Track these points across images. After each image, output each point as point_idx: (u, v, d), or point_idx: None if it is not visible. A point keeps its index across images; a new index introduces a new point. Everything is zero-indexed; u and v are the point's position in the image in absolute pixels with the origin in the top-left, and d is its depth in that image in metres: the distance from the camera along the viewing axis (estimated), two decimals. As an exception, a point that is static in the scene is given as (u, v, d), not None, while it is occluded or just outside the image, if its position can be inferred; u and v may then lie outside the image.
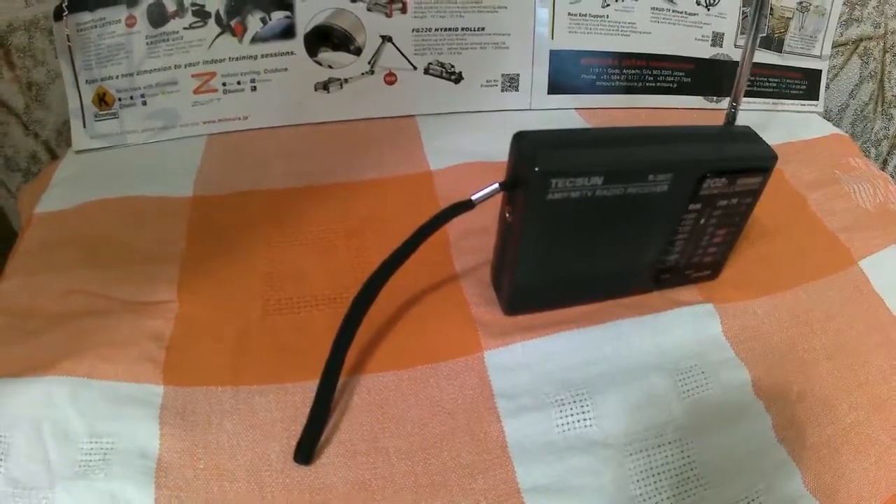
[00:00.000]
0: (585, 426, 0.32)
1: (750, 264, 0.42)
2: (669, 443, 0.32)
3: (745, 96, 0.63)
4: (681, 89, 0.60)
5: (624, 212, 0.32)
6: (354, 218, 0.43)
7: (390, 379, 0.33)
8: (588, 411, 0.32)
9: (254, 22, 0.47)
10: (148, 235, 0.41)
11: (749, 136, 0.36)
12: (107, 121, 0.48)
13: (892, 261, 0.44)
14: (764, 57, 0.62)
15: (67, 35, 0.44)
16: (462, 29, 0.51)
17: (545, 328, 0.36)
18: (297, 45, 0.49)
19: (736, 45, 0.60)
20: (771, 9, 0.60)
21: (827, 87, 0.68)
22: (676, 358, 0.36)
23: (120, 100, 0.48)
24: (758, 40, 0.36)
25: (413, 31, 0.50)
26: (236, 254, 0.40)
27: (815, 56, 0.64)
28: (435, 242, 0.42)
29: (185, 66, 0.48)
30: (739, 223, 0.37)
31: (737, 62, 0.61)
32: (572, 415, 0.32)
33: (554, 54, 0.54)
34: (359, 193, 0.45)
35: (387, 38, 0.50)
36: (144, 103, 0.48)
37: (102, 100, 0.47)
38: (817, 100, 0.65)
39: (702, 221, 0.35)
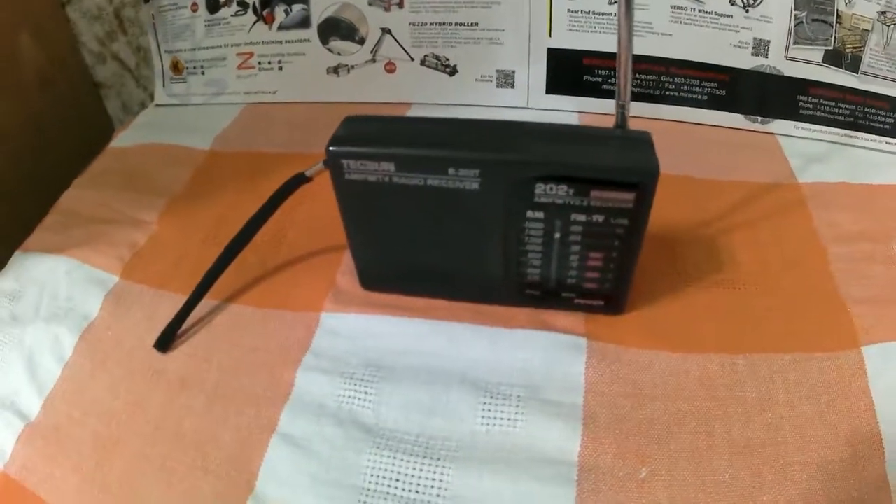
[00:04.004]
0: (361, 406, 0.33)
1: (693, 311, 0.36)
2: (430, 458, 0.30)
3: (808, 122, 0.54)
4: (713, 103, 0.54)
5: (434, 205, 0.32)
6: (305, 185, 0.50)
7: (247, 312, 0.40)
8: (371, 394, 0.33)
9: (280, 12, 0.57)
10: (165, 174, 0.54)
11: (634, 144, 0.30)
12: (178, 84, 0.62)
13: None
14: (833, 76, 0.51)
15: (152, 14, 0.59)
16: (456, 24, 0.54)
17: (385, 308, 0.38)
18: (312, 33, 0.57)
19: (788, 57, 0.52)
20: (838, 14, 0.50)
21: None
22: (499, 380, 0.33)
23: (187, 68, 0.61)
24: (632, 22, 0.29)
25: (410, 24, 0.55)
26: (210, 197, 0.50)
27: (908, 83, 0.52)
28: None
29: (232, 46, 0.59)
30: (622, 248, 0.32)
31: (788, 77, 0.53)
32: (354, 390, 0.34)
33: (552, 53, 0.54)
34: (321, 165, 0.52)
35: (386, 31, 0.55)
36: (203, 73, 0.61)
37: (175, 67, 0.61)
38: (910, 138, 0.52)
39: (556, 236, 0.32)
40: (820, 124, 0.52)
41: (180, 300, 0.40)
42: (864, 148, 0.51)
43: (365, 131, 0.32)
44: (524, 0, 0.52)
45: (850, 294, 0.37)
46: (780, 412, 0.31)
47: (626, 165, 0.29)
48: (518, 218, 0.32)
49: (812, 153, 0.51)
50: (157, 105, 0.63)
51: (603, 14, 0.52)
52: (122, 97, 0.71)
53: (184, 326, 0.39)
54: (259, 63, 0.59)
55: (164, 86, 0.62)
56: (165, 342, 0.38)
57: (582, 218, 0.31)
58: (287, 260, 0.43)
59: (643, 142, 0.31)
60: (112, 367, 0.38)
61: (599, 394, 0.33)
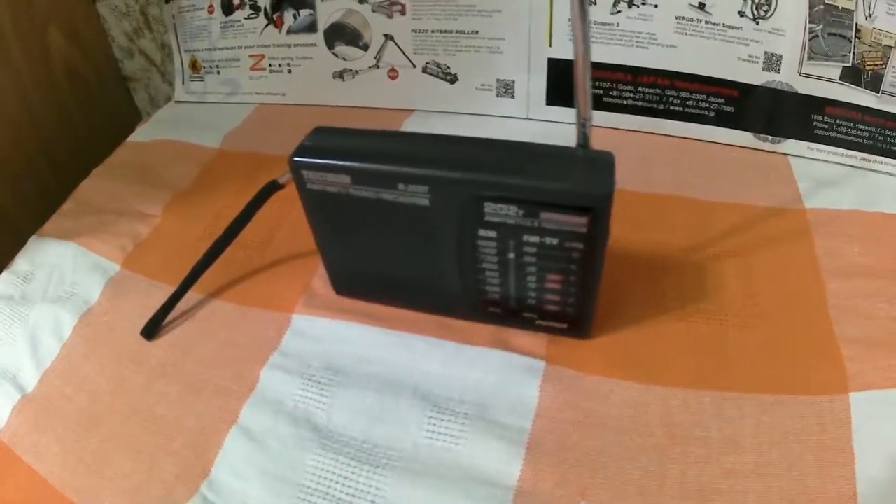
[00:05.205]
0: (316, 407, 0.34)
1: (666, 341, 0.35)
2: (370, 465, 0.31)
3: (822, 143, 0.51)
4: (720, 120, 0.52)
5: (390, 218, 0.32)
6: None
7: (229, 308, 0.42)
8: (326, 397, 0.34)
9: (288, 17, 0.58)
10: (175, 169, 0.57)
11: (593, 165, 0.29)
12: (196, 82, 0.65)
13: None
14: (851, 95, 0.47)
15: (173, 14, 0.62)
16: (456, 31, 0.54)
17: (352, 314, 0.39)
18: (319, 38, 0.58)
19: (801, 74, 0.49)
20: (857, 29, 0.47)
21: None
22: (449, 395, 0.34)
23: (204, 67, 0.64)
24: (588, 27, 0.27)
25: (412, 31, 0.56)
26: (212, 195, 0.53)
27: (932, 106, 0.48)
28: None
29: (245, 48, 0.62)
30: (580, 272, 0.31)
31: (802, 94, 0.51)
32: (311, 392, 0.35)
33: (552, 63, 0.54)
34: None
35: (389, 37, 0.56)
36: (218, 72, 0.64)
37: (194, 66, 0.64)
38: (934, 165, 0.49)
39: (511, 256, 0.32)
40: (835, 146, 0.49)
41: (172, 291, 0.42)
42: (883, 173, 0.48)
43: (327, 143, 0.33)
44: (524, 8, 0.52)
45: (844, 334, 0.34)
46: (744, 458, 0.29)
47: (576, 189, 0.28)
48: (470, 236, 0.31)
49: (824, 177, 0.48)
50: (177, 101, 0.66)
51: (604, 24, 0.51)
52: (150, 91, 0.75)
53: (170, 317, 0.42)
54: (270, 65, 0.62)
55: (183, 83, 0.66)
56: (152, 330, 0.41)
57: (535, 239, 0.30)
58: (272, 260, 0.45)
59: (603, 163, 0.29)
60: (103, 350, 0.41)
61: (549, 419, 0.32)
